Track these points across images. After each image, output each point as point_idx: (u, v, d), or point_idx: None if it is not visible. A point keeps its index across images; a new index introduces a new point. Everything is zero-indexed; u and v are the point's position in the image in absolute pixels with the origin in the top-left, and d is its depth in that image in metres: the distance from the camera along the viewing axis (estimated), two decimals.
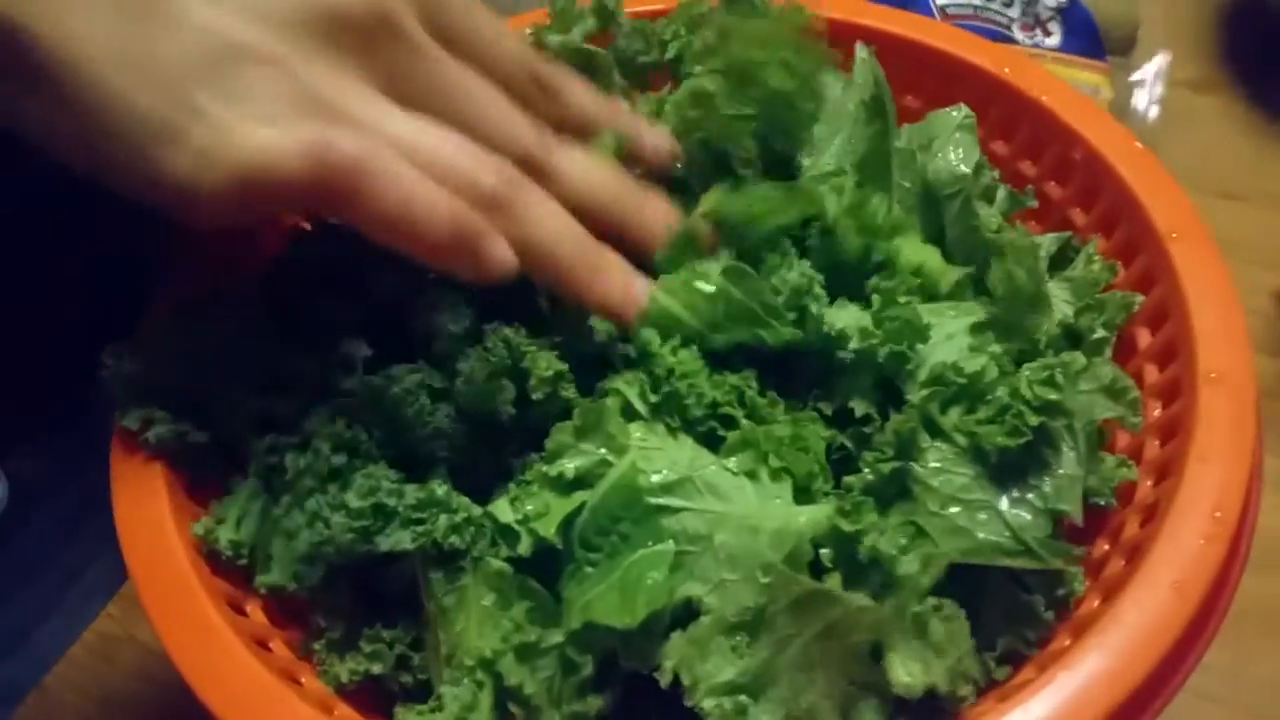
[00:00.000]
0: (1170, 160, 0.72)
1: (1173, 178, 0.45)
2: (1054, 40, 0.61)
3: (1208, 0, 0.79)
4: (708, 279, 0.41)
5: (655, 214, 0.42)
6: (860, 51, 0.47)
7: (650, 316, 0.41)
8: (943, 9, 0.61)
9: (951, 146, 0.45)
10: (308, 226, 0.48)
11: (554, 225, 0.38)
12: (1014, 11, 0.60)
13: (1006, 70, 0.48)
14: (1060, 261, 0.49)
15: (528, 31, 0.49)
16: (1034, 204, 0.49)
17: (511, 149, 0.38)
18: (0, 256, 0.53)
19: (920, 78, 0.51)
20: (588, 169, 0.41)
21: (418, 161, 0.35)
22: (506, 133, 0.38)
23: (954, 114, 0.46)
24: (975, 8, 0.60)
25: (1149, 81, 0.63)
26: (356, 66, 0.36)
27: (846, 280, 0.44)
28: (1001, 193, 0.49)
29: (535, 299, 0.43)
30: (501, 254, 0.37)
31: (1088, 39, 0.62)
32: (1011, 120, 0.49)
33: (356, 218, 0.35)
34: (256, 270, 0.47)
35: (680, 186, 0.45)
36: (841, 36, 0.49)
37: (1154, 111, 0.64)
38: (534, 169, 0.39)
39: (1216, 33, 0.78)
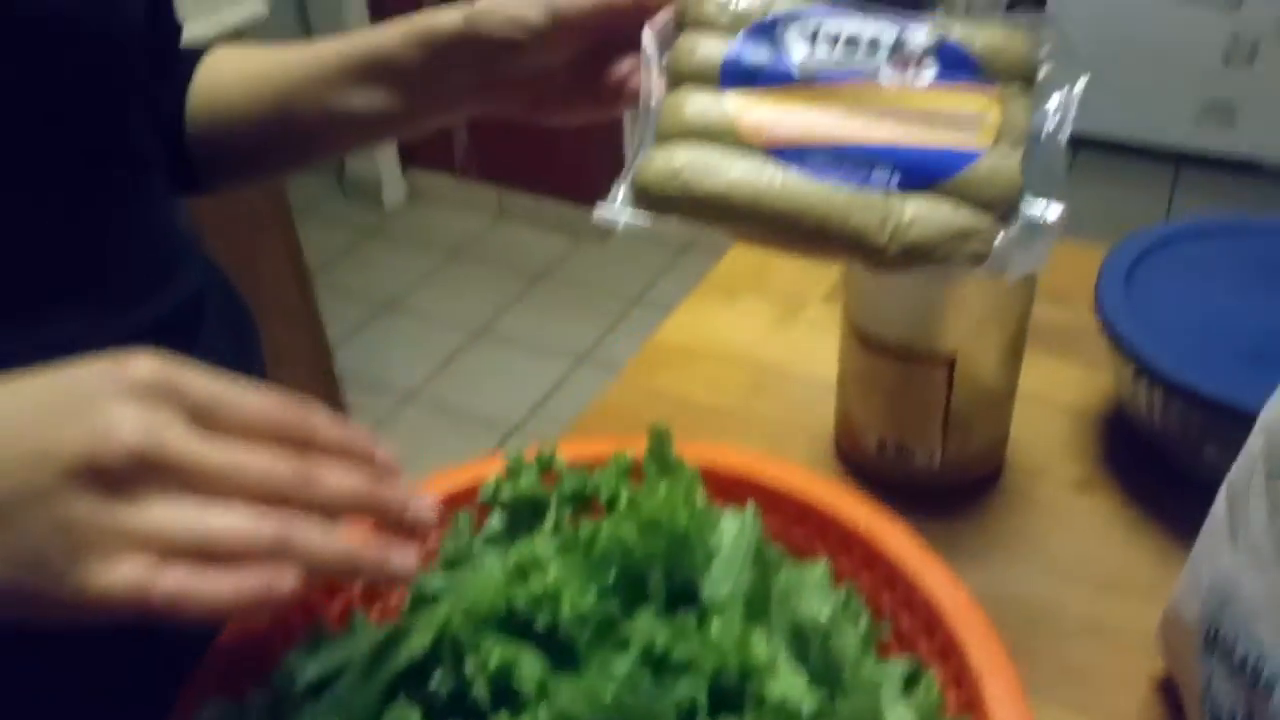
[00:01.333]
0: (1056, 554, 0.84)
1: (988, 621, 0.56)
2: (929, 74, 0.62)
3: (1086, 412, 0.93)
4: (606, 690, 0.51)
5: (393, 500, 0.52)
6: (749, 508, 0.60)
7: (555, 714, 0.51)
8: (804, 68, 0.63)
9: (814, 596, 0.57)
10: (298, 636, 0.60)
11: (322, 550, 0.49)
12: (879, 59, 0.62)
13: (864, 525, 0.61)
14: (913, 681, 0.59)
15: (490, 482, 0.62)
16: (887, 637, 0.60)
17: (280, 494, 0.49)
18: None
19: (803, 520, 0.64)
20: (338, 489, 0.51)
21: (205, 550, 0.46)
22: (274, 485, 0.49)
23: (816, 569, 0.59)
24: (837, 63, 0.62)
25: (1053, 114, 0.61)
26: (142, 489, 0.46)
27: (726, 694, 0.55)
28: (864, 619, 0.60)
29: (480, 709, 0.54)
30: (284, 583, 0.46)
31: (967, 69, 0.62)
32: (870, 561, 0.62)
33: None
34: (263, 673, 0.59)
35: (605, 624, 0.57)
36: (740, 489, 0.63)
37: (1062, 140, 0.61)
38: (301, 503, 0.49)
39: (1093, 439, 0.91)
